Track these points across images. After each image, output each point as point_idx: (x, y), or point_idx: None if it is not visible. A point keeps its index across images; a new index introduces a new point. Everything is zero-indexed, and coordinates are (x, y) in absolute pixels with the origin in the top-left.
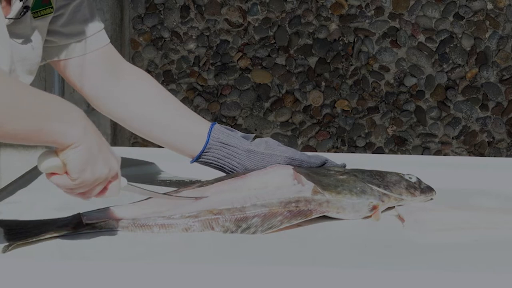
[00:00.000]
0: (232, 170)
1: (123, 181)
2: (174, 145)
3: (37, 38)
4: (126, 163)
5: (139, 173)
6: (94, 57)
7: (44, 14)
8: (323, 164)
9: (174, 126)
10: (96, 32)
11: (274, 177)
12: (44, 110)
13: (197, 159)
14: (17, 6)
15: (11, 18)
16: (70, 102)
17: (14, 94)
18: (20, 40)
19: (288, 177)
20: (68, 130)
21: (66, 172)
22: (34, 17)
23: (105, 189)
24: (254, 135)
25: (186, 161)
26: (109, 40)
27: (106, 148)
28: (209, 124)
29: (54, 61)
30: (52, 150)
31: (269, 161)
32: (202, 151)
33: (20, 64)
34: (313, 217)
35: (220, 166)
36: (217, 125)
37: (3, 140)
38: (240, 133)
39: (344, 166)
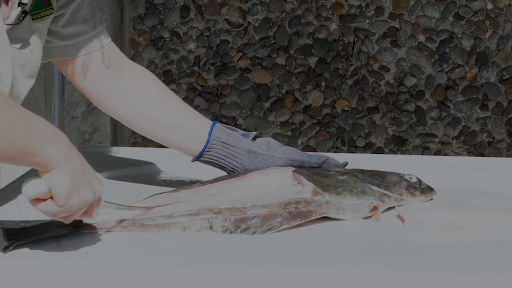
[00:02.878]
0: (233, 170)
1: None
2: (174, 144)
3: (36, 41)
4: (126, 163)
5: (139, 173)
6: (95, 56)
7: (44, 16)
8: (324, 162)
9: (174, 124)
10: (98, 31)
11: (274, 178)
12: (26, 131)
13: (198, 158)
14: (16, 11)
15: (10, 24)
16: (52, 125)
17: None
18: (18, 45)
19: (288, 178)
20: (51, 153)
21: (51, 197)
22: (33, 19)
23: (86, 212)
24: (255, 133)
25: (187, 161)
26: (110, 39)
27: (89, 172)
28: (210, 122)
29: (55, 60)
30: (35, 176)
31: (269, 163)
32: (203, 151)
33: (20, 69)
34: (312, 218)
35: (221, 165)
36: (218, 124)
37: None
38: (241, 132)
39: (346, 164)
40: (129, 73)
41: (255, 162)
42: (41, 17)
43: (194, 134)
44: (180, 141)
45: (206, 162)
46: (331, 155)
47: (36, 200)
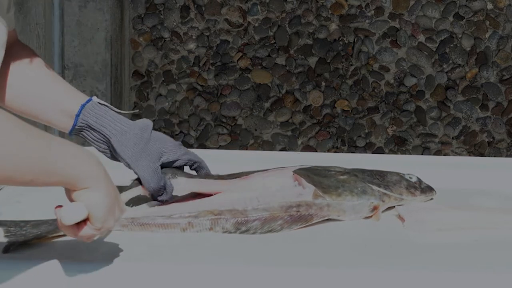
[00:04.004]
0: (104, 152)
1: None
2: (50, 122)
3: None
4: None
5: None
6: None
7: None
8: (196, 167)
9: (47, 103)
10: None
11: (274, 179)
12: (50, 153)
13: (70, 134)
14: None
15: None
16: (75, 144)
17: (17, 141)
18: None
19: (289, 179)
20: (82, 171)
21: (86, 219)
22: None
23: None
24: (133, 112)
25: None
26: (12, 28)
27: (115, 188)
28: (83, 100)
29: None
30: (74, 202)
31: (138, 154)
32: (71, 130)
33: None
34: (313, 222)
35: (91, 145)
36: (90, 103)
37: (19, 185)
38: (115, 111)
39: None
40: (12, 54)
41: (123, 150)
42: None
43: (66, 114)
44: (54, 121)
45: (81, 138)
46: (331, 155)
47: (71, 226)
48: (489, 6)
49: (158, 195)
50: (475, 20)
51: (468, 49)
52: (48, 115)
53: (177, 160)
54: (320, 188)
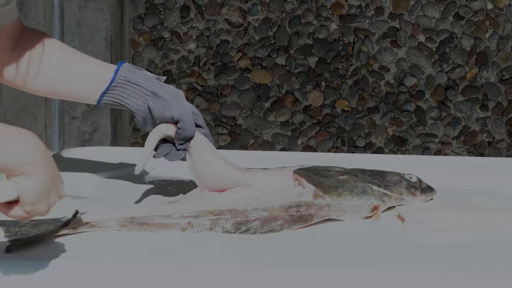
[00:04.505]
0: (137, 111)
1: None
2: (79, 92)
3: None
4: (126, 163)
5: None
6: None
7: None
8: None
9: (76, 73)
10: (10, 6)
11: (274, 179)
12: None
13: (102, 97)
14: None
15: None
16: (20, 129)
17: None
18: None
19: (289, 179)
20: (16, 158)
21: (18, 201)
22: None
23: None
24: (165, 77)
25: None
26: (17, 16)
27: (57, 174)
28: (114, 65)
29: None
30: (7, 182)
31: (169, 111)
32: (107, 88)
33: None
34: (314, 222)
35: (125, 105)
36: (126, 64)
37: None
38: (151, 74)
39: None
40: (23, 39)
41: (157, 106)
42: None
43: (99, 77)
44: (83, 87)
45: (111, 103)
46: (331, 156)
47: (3, 204)
48: (489, 6)
49: (190, 136)
50: (475, 20)
51: (468, 49)
52: (78, 84)
53: (200, 127)
54: (320, 188)
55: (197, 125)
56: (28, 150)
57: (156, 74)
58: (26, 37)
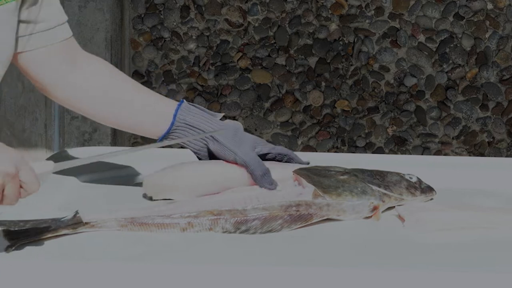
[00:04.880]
0: (199, 151)
1: (47, 165)
2: (139, 126)
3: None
4: (126, 163)
5: (139, 173)
6: (54, 49)
7: (5, 2)
8: (286, 159)
9: (137, 106)
10: (60, 24)
11: (274, 178)
12: None
13: (162, 138)
14: None
15: None
16: None
17: None
18: None
19: (288, 179)
20: None
21: None
22: None
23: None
24: (222, 114)
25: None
26: (71, 34)
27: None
28: (175, 103)
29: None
30: None
31: (228, 156)
32: (168, 132)
33: None
34: (313, 221)
35: (184, 146)
36: (184, 104)
37: None
38: (208, 112)
39: (308, 163)
40: (85, 62)
41: (217, 149)
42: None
43: (159, 115)
44: (144, 123)
45: (172, 142)
46: (331, 156)
47: None
48: (489, 6)
49: (262, 179)
50: (475, 20)
51: (468, 49)
52: (141, 118)
53: (269, 153)
54: (320, 188)
55: (265, 154)
56: None
57: (156, 74)
58: (86, 60)
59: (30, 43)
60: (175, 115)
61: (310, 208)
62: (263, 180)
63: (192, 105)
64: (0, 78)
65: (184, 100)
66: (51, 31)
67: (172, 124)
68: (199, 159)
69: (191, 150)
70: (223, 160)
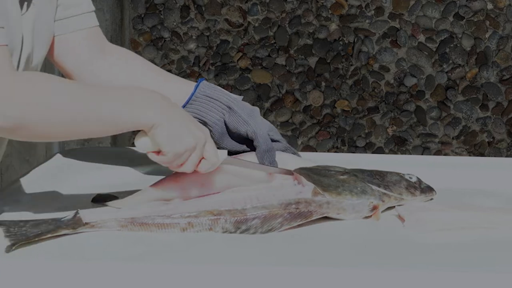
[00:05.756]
0: (214, 124)
1: (222, 153)
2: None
3: (45, 7)
4: (126, 163)
5: (140, 173)
6: (82, 35)
7: None
8: (284, 150)
9: (163, 88)
10: (88, 11)
11: (274, 178)
12: (114, 106)
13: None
14: None
15: None
16: (142, 89)
17: (85, 96)
18: (27, 12)
19: (288, 178)
20: (143, 117)
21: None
22: None
23: (199, 163)
24: (242, 96)
25: None
26: (98, 24)
27: (188, 121)
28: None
29: None
30: (144, 136)
31: (242, 127)
32: (187, 102)
33: (33, 38)
34: (313, 218)
35: (202, 119)
36: (205, 81)
37: (93, 136)
38: (228, 93)
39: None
40: (113, 51)
41: (232, 121)
42: None
43: (180, 91)
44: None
45: None
46: (331, 156)
47: (151, 153)
48: (489, 6)
49: (265, 155)
50: (475, 20)
51: (468, 49)
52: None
53: (278, 142)
54: (319, 186)
55: (274, 140)
56: (154, 109)
57: None
58: (114, 49)
59: (62, 27)
60: (196, 86)
61: (309, 205)
62: (265, 155)
63: (212, 84)
64: (42, 60)
65: (205, 79)
66: (82, 16)
67: (193, 94)
68: (213, 135)
69: (208, 123)
70: (235, 132)
